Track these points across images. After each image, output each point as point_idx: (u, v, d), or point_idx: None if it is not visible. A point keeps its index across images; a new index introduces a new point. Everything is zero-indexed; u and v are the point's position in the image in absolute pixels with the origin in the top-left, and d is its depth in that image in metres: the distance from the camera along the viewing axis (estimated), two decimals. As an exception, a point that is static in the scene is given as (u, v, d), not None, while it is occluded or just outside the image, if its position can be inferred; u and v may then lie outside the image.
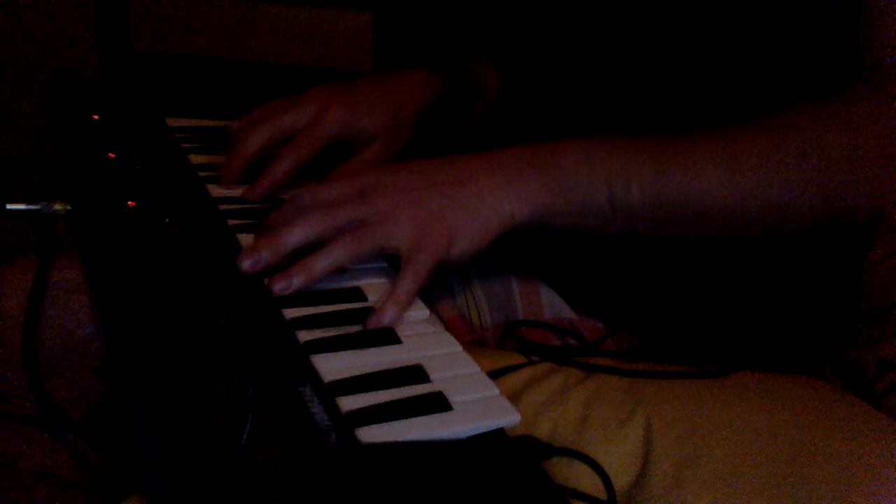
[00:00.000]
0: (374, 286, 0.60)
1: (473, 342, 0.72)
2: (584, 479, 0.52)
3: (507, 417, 0.48)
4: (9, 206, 0.66)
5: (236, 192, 0.73)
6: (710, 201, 0.59)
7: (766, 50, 0.65)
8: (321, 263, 0.57)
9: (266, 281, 0.57)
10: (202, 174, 0.76)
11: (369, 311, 0.57)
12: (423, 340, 0.55)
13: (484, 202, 0.60)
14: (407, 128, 0.79)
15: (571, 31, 0.73)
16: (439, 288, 0.77)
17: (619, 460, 0.54)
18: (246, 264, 0.58)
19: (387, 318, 0.55)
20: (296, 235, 0.58)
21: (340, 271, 0.62)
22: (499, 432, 0.47)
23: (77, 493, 0.68)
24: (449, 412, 0.47)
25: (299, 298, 0.57)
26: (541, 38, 0.77)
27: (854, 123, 0.59)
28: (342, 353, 0.51)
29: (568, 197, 0.60)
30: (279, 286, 0.56)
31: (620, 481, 0.53)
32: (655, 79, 0.69)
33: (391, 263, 0.63)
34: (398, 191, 0.59)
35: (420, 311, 0.58)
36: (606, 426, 0.56)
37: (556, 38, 0.75)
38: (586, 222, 0.62)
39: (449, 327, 0.58)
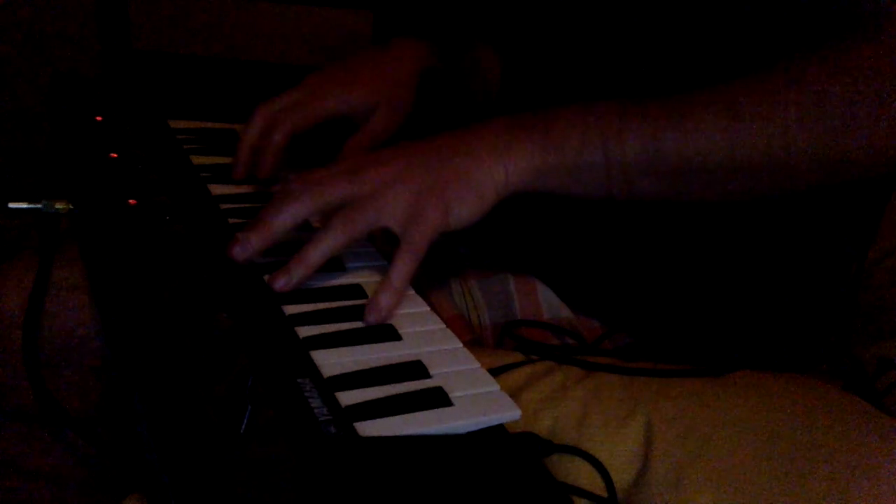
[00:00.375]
0: (373, 283, 0.60)
1: (472, 342, 0.72)
2: (583, 477, 0.52)
3: (508, 413, 0.48)
4: (11, 205, 0.66)
5: (237, 190, 0.73)
6: (711, 154, 0.57)
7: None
8: (315, 252, 0.56)
9: (266, 278, 0.57)
10: (204, 174, 0.76)
11: None
12: (423, 336, 0.55)
13: (477, 167, 0.58)
14: (408, 92, 0.78)
15: (573, 25, 0.73)
16: (438, 288, 0.77)
17: (620, 459, 0.54)
18: (236, 251, 0.57)
19: (382, 306, 0.55)
20: (283, 217, 0.57)
21: (340, 270, 0.62)
22: (499, 428, 0.47)
23: (77, 492, 0.68)
24: (449, 407, 0.47)
25: (299, 295, 0.57)
26: (541, 32, 0.77)
27: (851, 69, 0.57)
28: (342, 348, 0.52)
29: (562, 155, 0.59)
30: (280, 283, 0.56)
31: (621, 480, 0.53)
32: (656, 42, 0.68)
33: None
34: (387, 164, 0.58)
35: (419, 308, 0.58)
36: (606, 424, 0.56)
37: (557, 32, 0.75)
38: (582, 182, 0.60)
39: (448, 327, 0.58)
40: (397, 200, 0.56)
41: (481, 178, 0.58)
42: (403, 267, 0.56)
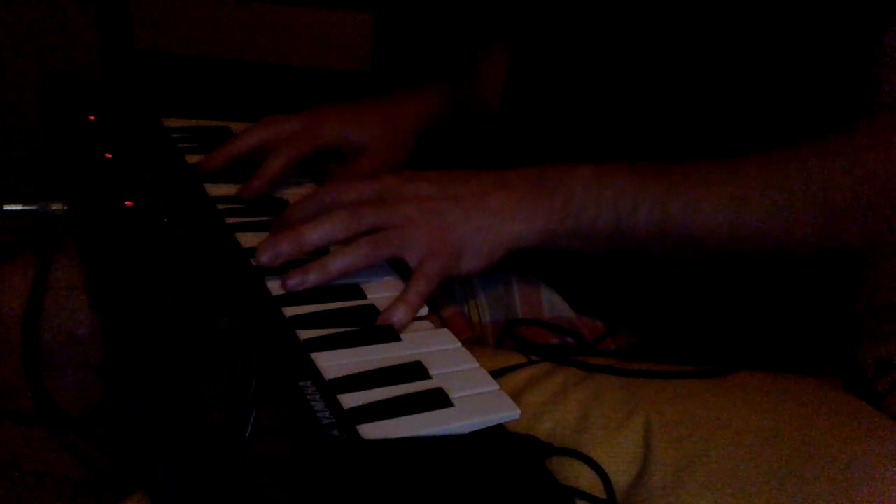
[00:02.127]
0: (372, 284, 0.60)
1: (472, 340, 0.72)
2: (583, 479, 0.52)
3: (508, 412, 0.48)
4: (7, 207, 0.66)
5: (233, 190, 0.73)
6: (715, 233, 0.60)
7: (778, 75, 0.65)
8: (338, 264, 0.58)
9: (283, 276, 0.58)
10: (199, 173, 0.76)
11: (368, 308, 0.57)
12: (423, 337, 0.55)
13: (494, 221, 0.61)
14: (405, 143, 0.81)
15: (582, 34, 0.73)
16: (439, 285, 0.77)
17: (619, 460, 0.54)
18: (265, 258, 0.58)
19: (396, 316, 0.56)
20: (319, 233, 0.58)
21: None
22: (500, 429, 0.47)
23: (77, 492, 0.68)
24: (449, 408, 0.48)
25: (298, 297, 0.57)
26: (548, 37, 0.77)
27: (859, 157, 0.59)
28: (342, 350, 0.52)
29: (575, 221, 0.61)
30: (293, 281, 0.57)
31: (620, 481, 0.53)
32: (665, 86, 0.69)
33: (392, 265, 0.63)
34: (418, 199, 0.60)
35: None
36: (606, 426, 0.56)
37: (564, 38, 0.75)
38: (592, 246, 0.63)
39: (448, 324, 0.58)
40: (420, 240, 0.59)
41: (496, 236, 0.61)
42: (420, 289, 0.58)
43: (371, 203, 0.60)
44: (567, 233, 0.62)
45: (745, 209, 0.60)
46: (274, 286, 0.58)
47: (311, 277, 0.57)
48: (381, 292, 0.60)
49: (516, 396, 0.58)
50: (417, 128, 0.82)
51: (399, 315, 0.56)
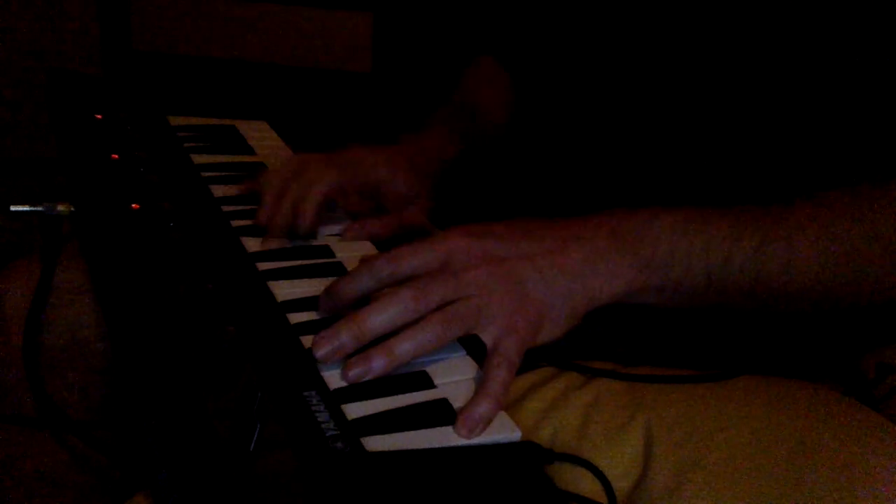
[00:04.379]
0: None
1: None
2: (584, 484, 0.52)
3: (509, 433, 0.48)
4: (12, 208, 0.66)
5: (238, 192, 0.73)
6: (808, 278, 0.56)
7: (803, 111, 0.62)
8: (406, 348, 0.51)
9: (345, 364, 0.51)
10: (205, 174, 0.76)
11: None
12: None
13: (574, 280, 0.56)
14: (429, 181, 0.77)
15: (582, 33, 0.73)
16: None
17: (620, 465, 0.54)
18: (324, 353, 0.51)
19: (480, 414, 0.49)
20: (382, 320, 0.51)
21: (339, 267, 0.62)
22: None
23: (78, 494, 0.68)
24: (453, 426, 0.48)
25: (303, 304, 0.57)
26: (548, 44, 0.77)
27: None
28: (347, 359, 0.52)
29: (662, 276, 0.57)
30: (355, 372, 0.50)
31: (621, 486, 0.53)
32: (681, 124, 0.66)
33: None
34: (488, 263, 0.54)
35: None
36: (607, 431, 0.56)
37: (565, 43, 0.75)
38: (678, 298, 0.58)
39: None
40: (496, 311, 0.53)
41: (578, 296, 0.56)
42: (503, 379, 0.51)
43: (437, 275, 0.53)
44: (651, 289, 0.57)
45: (836, 251, 0.56)
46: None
47: (376, 366, 0.50)
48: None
49: (518, 403, 0.58)
50: (440, 172, 0.78)
51: (483, 410, 0.49)
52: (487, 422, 0.49)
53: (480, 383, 0.51)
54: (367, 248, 0.68)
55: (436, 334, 0.51)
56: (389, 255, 0.55)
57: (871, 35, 0.60)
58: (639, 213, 0.58)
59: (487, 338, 0.53)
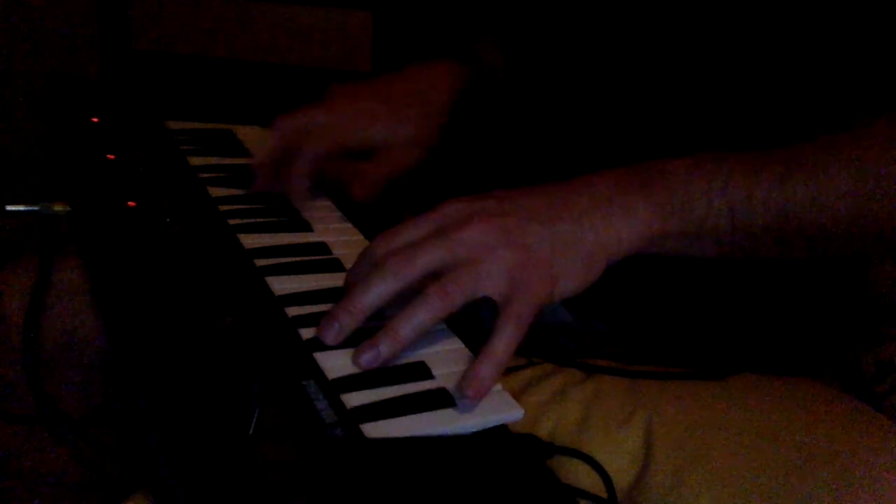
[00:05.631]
0: None
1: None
2: (584, 479, 0.52)
3: (511, 413, 0.48)
4: (9, 208, 0.66)
5: (235, 192, 0.73)
6: (837, 212, 0.52)
7: (789, 76, 0.60)
8: (406, 327, 0.49)
9: (355, 353, 0.50)
10: (202, 175, 0.76)
11: None
12: (425, 337, 0.55)
13: (587, 232, 0.52)
14: (436, 124, 0.75)
15: (584, 34, 0.73)
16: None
17: (620, 461, 0.54)
18: (328, 337, 0.50)
19: (484, 379, 0.47)
20: (371, 294, 0.50)
21: (341, 271, 0.62)
22: (501, 429, 0.48)
23: (77, 493, 0.68)
24: (452, 408, 0.48)
25: (300, 297, 0.57)
26: (549, 40, 0.76)
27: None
28: (345, 349, 0.52)
29: (682, 219, 0.53)
30: (367, 357, 0.49)
31: (621, 481, 0.53)
32: (673, 84, 0.64)
33: None
34: (485, 218, 0.51)
35: None
36: (607, 427, 0.56)
37: (566, 40, 0.75)
38: (702, 246, 0.54)
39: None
40: (499, 269, 0.49)
41: (591, 246, 0.52)
42: (508, 338, 0.49)
43: (427, 237, 0.51)
44: (673, 234, 0.53)
45: (867, 182, 0.52)
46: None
47: (385, 349, 0.49)
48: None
49: (518, 396, 0.58)
50: (448, 108, 0.75)
51: (484, 376, 0.47)
52: (490, 383, 0.47)
53: (486, 343, 0.49)
54: (364, 244, 0.68)
55: (435, 307, 0.49)
56: (382, 234, 0.53)
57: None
58: (651, 162, 0.54)
59: (497, 297, 0.49)
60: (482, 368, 0.47)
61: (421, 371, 0.51)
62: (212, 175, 0.76)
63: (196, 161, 0.79)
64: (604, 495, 0.51)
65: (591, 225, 0.52)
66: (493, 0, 0.85)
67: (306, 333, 0.53)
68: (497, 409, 0.48)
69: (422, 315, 0.49)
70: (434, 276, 0.50)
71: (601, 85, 0.70)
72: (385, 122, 0.72)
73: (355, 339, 0.52)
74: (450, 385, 0.49)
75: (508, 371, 0.59)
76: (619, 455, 0.54)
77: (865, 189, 0.52)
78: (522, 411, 0.48)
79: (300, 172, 0.69)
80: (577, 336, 0.72)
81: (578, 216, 0.52)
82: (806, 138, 0.55)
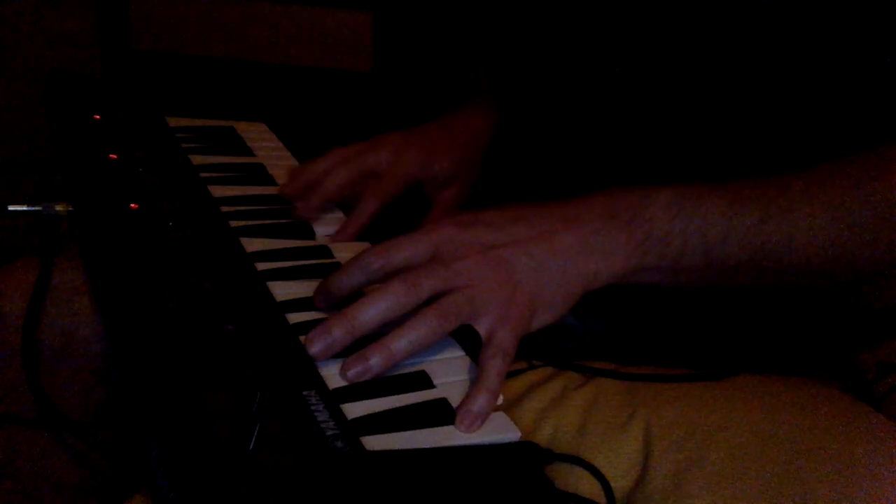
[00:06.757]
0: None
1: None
2: (584, 484, 0.52)
3: (508, 434, 0.48)
4: (10, 208, 0.66)
5: (237, 192, 0.73)
6: (811, 249, 0.55)
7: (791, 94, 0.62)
8: (402, 345, 0.50)
9: (343, 364, 0.51)
10: (204, 175, 0.76)
11: None
12: None
13: (567, 263, 0.55)
14: (479, 162, 0.79)
15: (583, 44, 0.73)
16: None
17: (619, 464, 0.54)
18: (317, 349, 0.51)
19: (480, 413, 0.49)
20: (373, 314, 0.51)
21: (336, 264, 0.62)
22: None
23: (77, 495, 0.68)
24: (452, 426, 0.48)
25: (302, 303, 0.56)
26: (549, 45, 0.76)
27: None
28: (346, 359, 0.51)
29: (658, 256, 0.56)
30: (354, 371, 0.50)
31: (620, 485, 0.53)
32: (674, 118, 0.66)
33: None
34: (478, 250, 0.53)
35: None
36: (606, 431, 0.56)
37: (566, 45, 0.74)
38: (677, 278, 0.58)
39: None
40: (490, 300, 0.52)
41: (572, 279, 0.55)
42: (498, 370, 0.51)
43: (427, 266, 0.53)
44: (649, 268, 0.56)
45: (843, 220, 0.55)
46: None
47: (374, 364, 0.50)
48: None
49: (517, 402, 0.58)
50: (484, 147, 0.80)
51: (480, 404, 0.49)
52: (486, 415, 0.49)
53: (477, 377, 0.50)
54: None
55: (431, 329, 0.51)
56: (378, 248, 0.55)
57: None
58: (632, 191, 0.57)
59: (481, 328, 0.52)
60: (476, 404, 0.49)
61: (421, 380, 0.51)
62: (213, 174, 0.76)
63: (197, 160, 0.79)
64: (604, 501, 0.51)
65: (574, 262, 0.55)
66: (494, 4, 0.85)
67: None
68: (495, 431, 0.48)
69: (417, 334, 0.50)
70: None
71: (600, 96, 0.70)
72: (441, 159, 0.76)
73: (350, 348, 0.52)
74: (450, 394, 0.49)
75: (508, 375, 0.59)
76: (618, 459, 0.54)
77: (842, 230, 0.55)
78: (519, 433, 0.49)
79: (361, 220, 0.71)
80: (577, 338, 0.72)
81: (565, 254, 0.55)
82: (803, 150, 0.58)
